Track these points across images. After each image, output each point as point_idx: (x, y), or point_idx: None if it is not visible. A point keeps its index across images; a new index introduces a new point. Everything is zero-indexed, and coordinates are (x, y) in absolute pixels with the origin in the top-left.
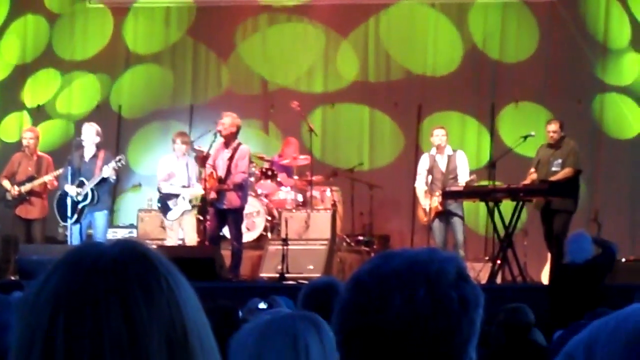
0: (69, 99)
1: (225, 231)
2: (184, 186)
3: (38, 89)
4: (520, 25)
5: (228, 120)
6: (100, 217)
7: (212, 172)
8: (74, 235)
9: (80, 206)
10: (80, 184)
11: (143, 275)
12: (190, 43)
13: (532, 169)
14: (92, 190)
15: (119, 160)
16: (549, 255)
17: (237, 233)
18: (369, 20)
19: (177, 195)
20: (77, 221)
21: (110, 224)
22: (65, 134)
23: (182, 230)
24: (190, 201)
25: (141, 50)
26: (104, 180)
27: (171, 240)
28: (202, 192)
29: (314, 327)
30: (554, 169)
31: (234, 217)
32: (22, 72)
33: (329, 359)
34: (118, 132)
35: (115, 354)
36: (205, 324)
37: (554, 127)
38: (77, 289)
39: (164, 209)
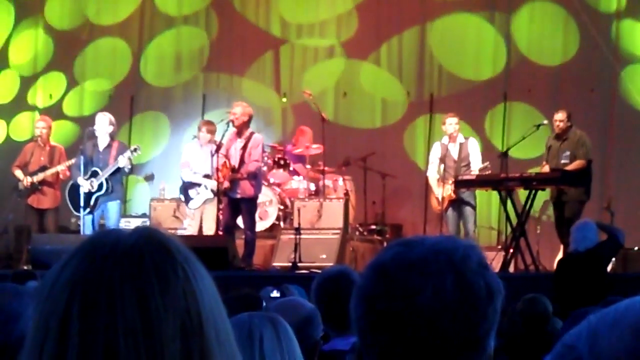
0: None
1: (239, 220)
2: (206, 175)
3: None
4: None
5: (239, 109)
6: (113, 207)
7: (225, 162)
8: (86, 225)
9: (94, 197)
10: (94, 174)
11: (159, 264)
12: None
13: (544, 162)
14: (106, 180)
15: (135, 150)
16: (562, 244)
17: (250, 222)
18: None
19: (199, 184)
20: (90, 212)
21: (123, 213)
22: (77, 133)
23: (202, 219)
24: (212, 190)
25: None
26: (117, 170)
27: (191, 229)
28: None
29: (270, 323)
30: (563, 161)
31: (248, 206)
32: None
33: (285, 354)
34: (130, 122)
35: (130, 343)
36: (222, 314)
37: (560, 116)
38: (93, 277)
39: (186, 197)
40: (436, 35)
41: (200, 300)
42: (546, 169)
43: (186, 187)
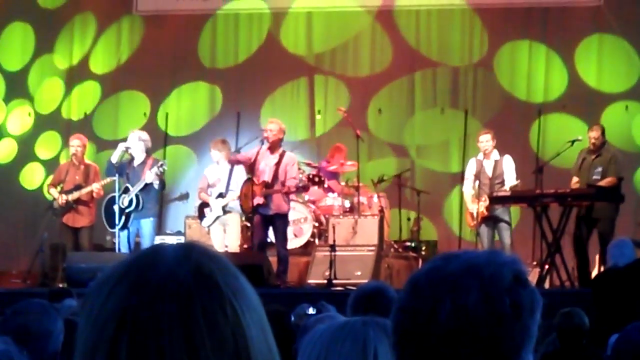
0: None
1: (270, 237)
2: (220, 193)
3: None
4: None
5: (275, 126)
6: (146, 225)
7: (251, 179)
8: (121, 242)
9: (125, 212)
10: (126, 190)
11: (207, 304)
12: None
13: (576, 178)
14: (136, 195)
15: (161, 166)
16: (597, 259)
17: (283, 238)
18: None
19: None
20: (123, 227)
21: (158, 231)
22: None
23: (226, 235)
24: (223, 207)
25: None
26: (148, 185)
27: (215, 247)
28: (234, 199)
29: (384, 333)
30: (594, 177)
31: (281, 222)
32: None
33: None
34: (165, 140)
35: None
36: (271, 349)
37: (595, 134)
38: (141, 313)
39: (200, 216)
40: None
41: (249, 339)
42: (574, 181)
43: (201, 205)
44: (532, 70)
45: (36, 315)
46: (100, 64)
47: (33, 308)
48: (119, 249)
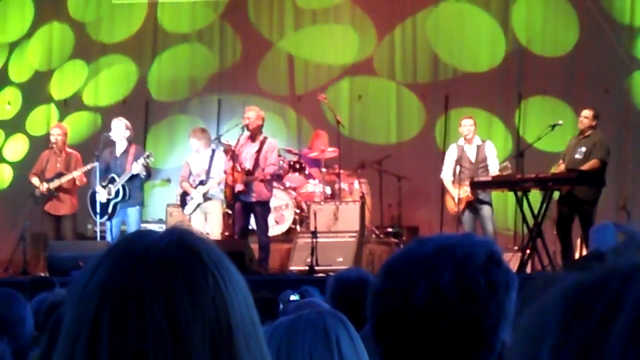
0: (96, 91)
1: (252, 224)
2: (201, 181)
3: (65, 81)
4: (557, 17)
5: (253, 113)
6: (132, 213)
7: (234, 166)
8: (107, 231)
9: (112, 203)
10: (111, 181)
11: (189, 272)
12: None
13: (561, 160)
14: (123, 186)
15: (148, 157)
16: (579, 243)
17: (264, 226)
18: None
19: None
20: (109, 218)
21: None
22: (94, 126)
23: (207, 223)
24: (204, 195)
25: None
26: (134, 175)
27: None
28: (214, 186)
29: (341, 323)
30: (577, 156)
31: (262, 209)
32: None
33: (359, 356)
34: (145, 126)
35: (158, 352)
36: (253, 319)
37: (586, 112)
38: (123, 283)
39: (182, 203)
40: (444, 33)
41: (230, 308)
42: (562, 167)
43: (183, 194)
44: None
45: (5, 303)
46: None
47: (1, 296)
48: (104, 237)
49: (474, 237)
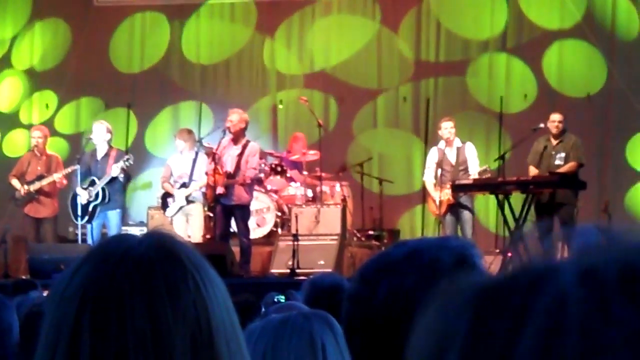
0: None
1: (233, 227)
2: (184, 183)
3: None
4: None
5: (236, 117)
6: (113, 216)
7: (216, 168)
8: (88, 234)
9: (91, 206)
10: (92, 183)
11: (169, 274)
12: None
13: (533, 169)
14: (102, 189)
15: (127, 160)
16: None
17: (245, 229)
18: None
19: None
20: (89, 221)
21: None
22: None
23: (189, 225)
24: (187, 197)
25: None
26: (114, 178)
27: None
28: (197, 189)
29: (327, 326)
30: (557, 162)
31: (242, 213)
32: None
33: (345, 358)
34: (127, 129)
35: (139, 353)
36: (233, 322)
37: (558, 117)
38: (103, 286)
39: (164, 205)
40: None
41: (210, 310)
42: (533, 170)
43: (164, 195)
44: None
45: None
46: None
47: None
48: (85, 240)
49: (449, 241)
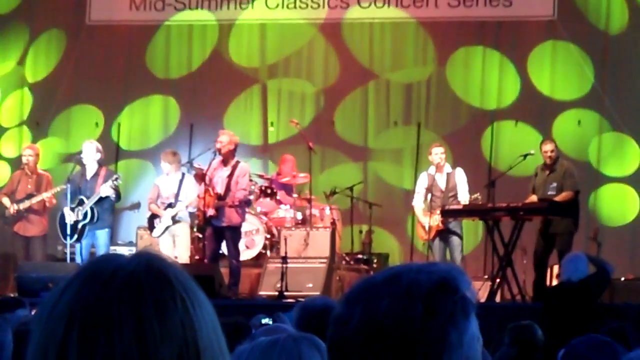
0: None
1: (223, 248)
2: (170, 204)
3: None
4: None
5: (226, 137)
6: (102, 236)
7: (207, 190)
8: (76, 253)
9: (80, 225)
10: (80, 203)
11: (158, 294)
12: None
13: (531, 191)
14: (91, 208)
15: (116, 179)
16: (549, 273)
17: (235, 251)
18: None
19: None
20: (78, 240)
21: (110, 241)
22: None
23: (175, 246)
24: (173, 217)
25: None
26: (103, 198)
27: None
28: (182, 209)
29: (315, 348)
30: (550, 192)
31: (233, 234)
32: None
33: None
34: (117, 150)
35: None
36: (220, 343)
37: (550, 146)
38: (91, 304)
39: (150, 226)
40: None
41: (198, 330)
42: (533, 198)
43: (151, 217)
44: (486, 77)
45: None
46: (40, 74)
47: None
48: (73, 259)
49: (433, 266)
